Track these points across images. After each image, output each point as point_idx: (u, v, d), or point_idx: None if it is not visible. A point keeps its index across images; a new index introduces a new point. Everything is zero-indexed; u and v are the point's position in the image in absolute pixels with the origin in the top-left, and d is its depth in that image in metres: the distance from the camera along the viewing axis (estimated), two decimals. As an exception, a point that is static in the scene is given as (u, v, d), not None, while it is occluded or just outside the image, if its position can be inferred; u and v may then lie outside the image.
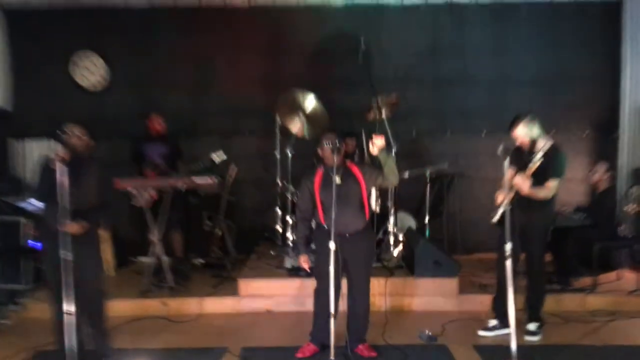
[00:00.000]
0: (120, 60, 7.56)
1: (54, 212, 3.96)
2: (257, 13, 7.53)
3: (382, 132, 6.41)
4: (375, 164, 4.68)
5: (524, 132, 4.84)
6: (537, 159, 4.58)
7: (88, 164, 4.29)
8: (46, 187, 4.12)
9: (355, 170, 4.56)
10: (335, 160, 4.42)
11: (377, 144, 4.42)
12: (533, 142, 4.86)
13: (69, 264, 3.93)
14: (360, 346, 4.62)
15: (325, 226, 4.52)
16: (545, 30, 7.51)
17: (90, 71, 7.51)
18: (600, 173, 6.35)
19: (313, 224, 4.79)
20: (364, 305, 4.65)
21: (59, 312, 4.05)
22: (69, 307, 3.94)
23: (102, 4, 7.41)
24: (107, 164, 4.59)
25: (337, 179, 4.38)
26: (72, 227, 4.05)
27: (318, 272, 4.66)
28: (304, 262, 4.67)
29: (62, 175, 3.92)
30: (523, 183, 4.67)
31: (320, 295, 4.60)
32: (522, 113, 4.89)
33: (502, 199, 4.77)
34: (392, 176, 4.54)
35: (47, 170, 4.15)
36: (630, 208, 6.35)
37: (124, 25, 7.47)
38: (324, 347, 4.54)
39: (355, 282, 4.59)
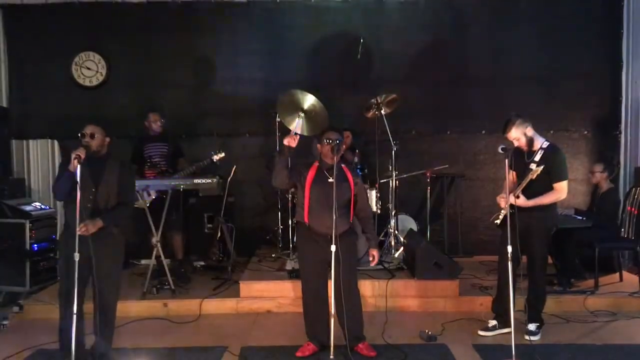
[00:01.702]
0: (120, 57, 7.59)
1: (72, 211, 3.95)
2: (256, 10, 7.58)
3: (382, 130, 6.44)
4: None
5: (517, 134, 4.84)
6: (533, 172, 4.59)
7: (107, 162, 4.29)
8: (64, 187, 4.10)
9: (348, 174, 4.58)
10: (334, 159, 4.43)
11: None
12: (530, 142, 4.87)
13: (81, 264, 3.91)
14: (360, 345, 4.60)
15: (308, 225, 4.52)
16: (545, 29, 7.53)
17: (90, 69, 7.53)
18: (599, 174, 6.34)
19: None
20: (356, 304, 4.63)
21: (67, 311, 4.02)
22: (76, 306, 3.89)
23: (100, 0, 7.46)
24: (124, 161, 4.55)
25: (330, 178, 4.40)
26: (87, 228, 4.04)
27: (304, 274, 4.67)
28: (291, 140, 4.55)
29: (79, 174, 3.92)
30: (521, 202, 4.69)
31: (309, 297, 4.62)
32: (512, 115, 4.87)
33: (505, 202, 4.78)
34: None
35: (66, 169, 4.11)
36: (634, 209, 6.33)
37: (123, 22, 7.51)
38: (324, 346, 4.54)
39: (345, 282, 4.52)
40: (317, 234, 4.44)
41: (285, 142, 4.52)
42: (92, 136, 4.21)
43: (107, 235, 4.22)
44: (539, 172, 4.56)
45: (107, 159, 4.31)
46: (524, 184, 4.67)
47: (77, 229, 3.94)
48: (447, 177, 7.55)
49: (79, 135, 4.21)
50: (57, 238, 6.58)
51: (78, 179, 3.91)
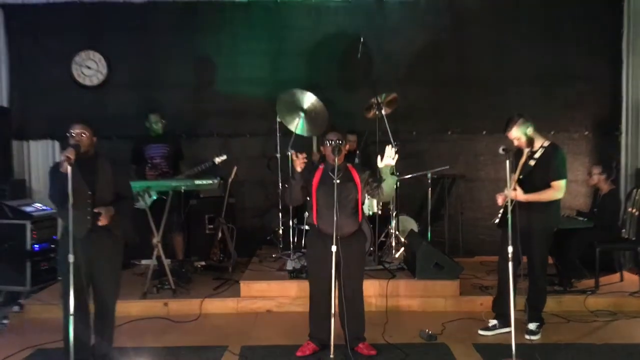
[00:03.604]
0: (120, 58, 7.57)
1: (72, 214, 3.88)
2: (257, 9, 7.56)
3: (382, 129, 6.46)
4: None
5: (518, 133, 4.85)
6: (522, 163, 4.60)
7: (98, 162, 4.24)
8: (58, 190, 4.04)
9: (354, 173, 4.58)
10: (335, 159, 4.43)
11: (388, 160, 4.42)
12: (530, 142, 4.87)
13: (81, 266, 3.89)
14: (360, 345, 4.61)
15: (317, 226, 4.55)
16: (546, 29, 7.53)
17: (90, 68, 7.52)
18: (597, 176, 6.34)
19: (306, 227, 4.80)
20: (359, 306, 4.65)
21: (69, 312, 3.97)
22: (77, 306, 3.86)
23: (101, 0, 7.45)
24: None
25: (336, 179, 4.39)
26: (105, 217, 4.06)
27: (311, 274, 4.69)
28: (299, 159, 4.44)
29: (71, 176, 3.84)
30: (516, 195, 4.67)
31: (315, 297, 4.62)
32: (514, 114, 4.89)
33: (503, 201, 4.79)
34: (386, 194, 4.57)
35: (57, 173, 4.02)
36: (634, 210, 6.33)
37: (124, 21, 7.49)
38: (324, 346, 4.54)
39: (349, 284, 4.56)
40: (325, 235, 4.43)
41: (298, 167, 4.45)
42: (81, 135, 4.14)
43: (110, 236, 4.22)
44: (519, 169, 4.63)
45: (97, 158, 4.25)
46: (517, 173, 4.70)
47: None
48: (447, 177, 7.55)
49: (67, 135, 4.14)
50: (58, 239, 6.58)
51: (70, 182, 3.82)
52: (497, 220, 4.98)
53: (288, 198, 4.70)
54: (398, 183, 6.76)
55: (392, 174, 4.53)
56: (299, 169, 4.44)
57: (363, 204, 4.64)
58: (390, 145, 4.48)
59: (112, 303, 4.39)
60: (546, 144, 4.86)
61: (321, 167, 4.65)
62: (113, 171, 4.28)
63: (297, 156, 4.42)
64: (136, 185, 5.85)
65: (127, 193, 4.43)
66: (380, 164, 4.47)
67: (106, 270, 4.26)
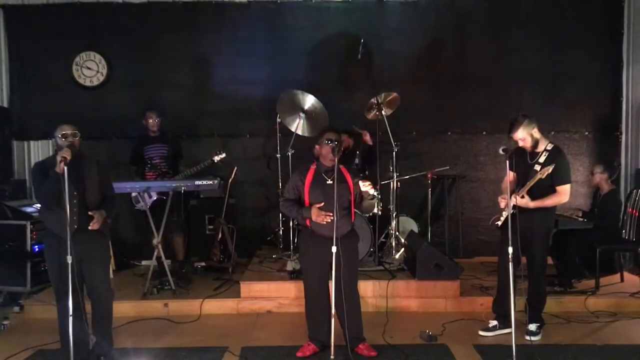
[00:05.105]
0: (120, 58, 7.56)
1: (59, 214, 3.92)
2: (257, 10, 7.56)
3: (382, 130, 6.45)
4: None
5: (524, 135, 4.82)
6: (543, 171, 4.58)
7: (85, 162, 4.26)
8: (47, 190, 4.07)
9: (347, 174, 4.56)
10: (336, 160, 4.41)
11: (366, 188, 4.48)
12: (536, 143, 4.86)
13: (74, 266, 3.88)
14: (361, 345, 4.60)
15: (311, 228, 4.52)
16: (546, 30, 7.51)
17: (91, 69, 7.52)
18: (598, 175, 6.34)
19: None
20: (355, 305, 4.63)
21: (63, 313, 4.00)
22: (73, 307, 3.86)
23: (101, 1, 7.46)
24: (105, 162, 4.56)
25: (330, 180, 4.39)
26: (97, 221, 4.12)
27: (306, 276, 4.68)
28: (322, 215, 4.39)
29: (67, 177, 3.86)
30: (524, 202, 4.67)
31: (311, 299, 4.63)
32: (519, 115, 4.87)
33: (505, 203, 4.77)
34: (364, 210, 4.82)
35: (46, 173, 4.08)
36: (635, 211, 6.33)
37: (124, 22, 7.48)
38: (324, 346, 4.54)
39: (345, 284, 4.50)
40: (319, 236, 4.43)
41: (317, 220, 4.40)
42: (75, 135, 4.19)
43: (98, 233, 4.24)
44: (549, 171, 4.56)
45: (82, 158, 4.26)
46: (530, 183, 4.67)
47: (95, 226, 4.03)
48: (447, 178, 7.54)
49: (61, 136, 4.16)
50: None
51: (66, 182, 3.85)
52: (499, 222, 4.96)
53: (286, 211, 4.71)
54: (398, 183, 6.75)
55: (372, 199, 4.60)
56: (314, 219, 4.41)
57: (356, 205, 4.63)
58: (362, 181, 4.51)
59: (107, 301, 4.41)
60: (549, 146, 4.84)
61: (313, 167, 4.61)
62: (98, 170, 4.33)
63: (323, 215, 4.37)
64: (136, 186, 5.88)
65: (112, 191, 4.48)
66: (362, 187, 4.49)
67: (97, 269, 4.29)
